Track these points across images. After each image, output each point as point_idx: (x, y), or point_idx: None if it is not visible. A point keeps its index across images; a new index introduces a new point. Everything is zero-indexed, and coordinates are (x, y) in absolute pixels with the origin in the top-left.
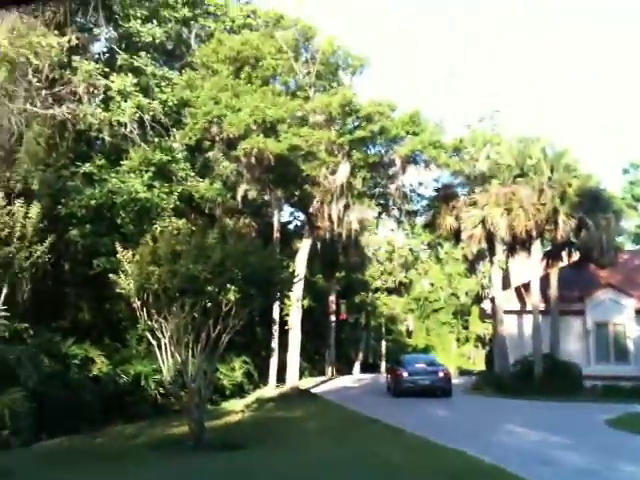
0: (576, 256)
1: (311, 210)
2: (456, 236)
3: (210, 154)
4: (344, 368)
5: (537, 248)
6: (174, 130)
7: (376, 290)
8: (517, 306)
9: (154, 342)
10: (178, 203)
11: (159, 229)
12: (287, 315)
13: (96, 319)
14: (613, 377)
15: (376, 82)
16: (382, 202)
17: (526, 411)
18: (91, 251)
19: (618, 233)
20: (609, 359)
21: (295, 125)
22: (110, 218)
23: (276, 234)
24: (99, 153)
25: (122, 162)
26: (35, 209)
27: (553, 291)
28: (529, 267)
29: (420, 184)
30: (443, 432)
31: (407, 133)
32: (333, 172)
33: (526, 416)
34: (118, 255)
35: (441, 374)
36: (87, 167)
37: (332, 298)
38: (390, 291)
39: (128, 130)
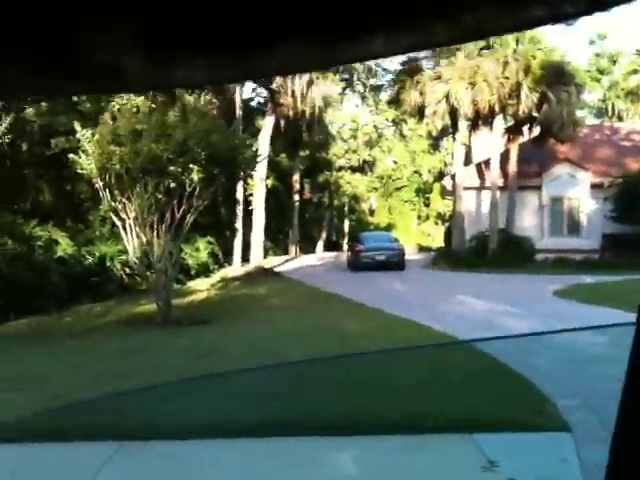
0: (537, 131)
1: (274, 86)
2: (420, 112)
3: None
4: (308, 247)
5: (499, 124)
6: None
7: (340, 169)
8: (477, 183)
9: (119, 223)
10: None
11: (118, 107)
12: (251, 195)
13: (57, 201)
14: (565, 250)
15: None
16: (346, 77)
17: (477, 283)
18: (49, 130)
19: (579, 107)
20: (562, 233)
21: None
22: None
23: (238, 112)
24: None
25: None
26: None
27: (512, 167)
28: (491, 143)
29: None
30: (399, 304)
31: None
32: None
33: (477, 288)
34: (77, 134)
35: (396, 250)
36: None
37: (296, 177)
38: (354, 170)
39: None
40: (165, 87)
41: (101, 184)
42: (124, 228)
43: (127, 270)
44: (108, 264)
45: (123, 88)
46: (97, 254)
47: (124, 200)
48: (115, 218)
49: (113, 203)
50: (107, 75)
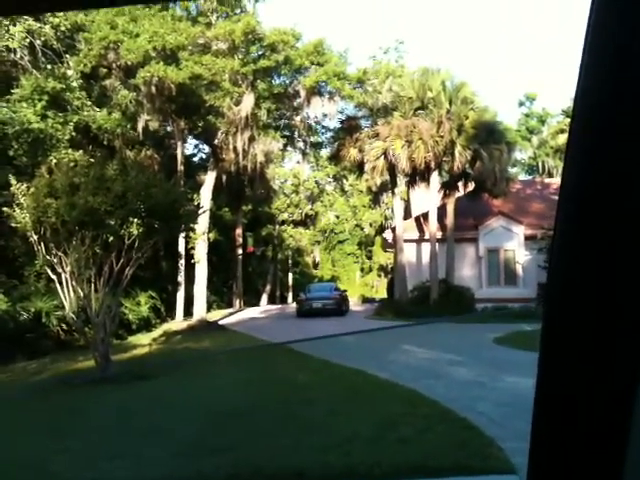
0: (471, 186)
1: (216, 142)
2: (360, 168)
3: (107, 82)
4: (252, 300)
5: (435, 179)
6: (68, 57)
7: (283, 223)
8: (416, 235)
9: (54, 277)
10: (74, 134)
11: (55, 161)
12: (193, 249)
13: None
14: (503, 299)
15: (280, 10)
16: (287, 134)
17: (421, 333)
18: None
19: (511, 164)
20: (500, 283)
21: (197, 53)
22: (2, 150)
23: (180, 167)
24: None
25: (13, 91)
26: None
27: (449, 220)
28: (428, 198)
29: (325, 116)
30: (345, 354)
31: (312, 63)
32: (237, 103)
33: (421, 337)
34: (12, 188)
35: (336, 298)
36: None
37: (239, 231)
38: (296, 223)
39: (18, 56)
40: None
41: (36, 238)
42: (60, 283)
43: (64, 326)
44: (44, 320)
45: None
46: (32, 310)
47: (60, 254)
48: (51, 272)
49: (48, 257)
50: None
